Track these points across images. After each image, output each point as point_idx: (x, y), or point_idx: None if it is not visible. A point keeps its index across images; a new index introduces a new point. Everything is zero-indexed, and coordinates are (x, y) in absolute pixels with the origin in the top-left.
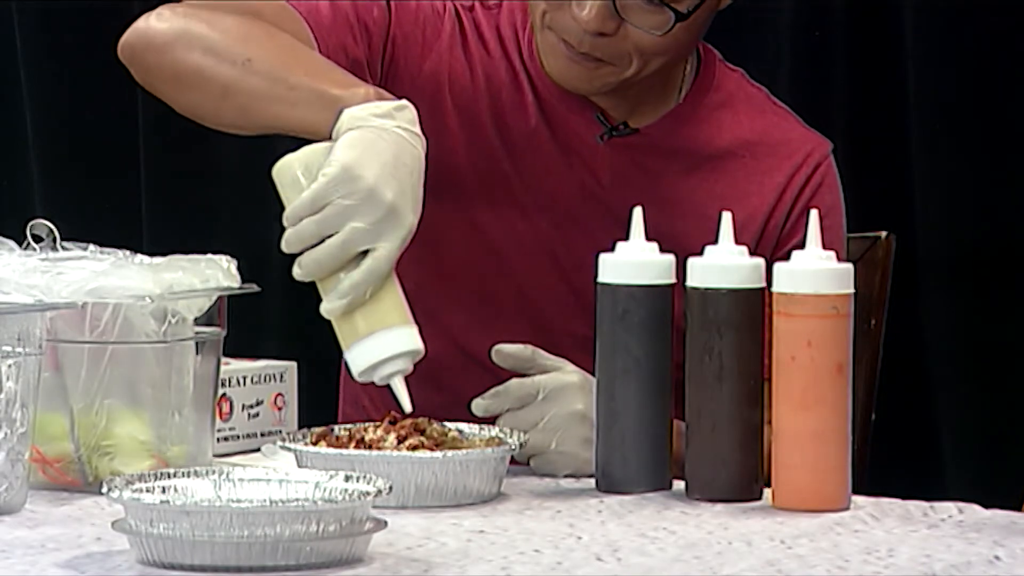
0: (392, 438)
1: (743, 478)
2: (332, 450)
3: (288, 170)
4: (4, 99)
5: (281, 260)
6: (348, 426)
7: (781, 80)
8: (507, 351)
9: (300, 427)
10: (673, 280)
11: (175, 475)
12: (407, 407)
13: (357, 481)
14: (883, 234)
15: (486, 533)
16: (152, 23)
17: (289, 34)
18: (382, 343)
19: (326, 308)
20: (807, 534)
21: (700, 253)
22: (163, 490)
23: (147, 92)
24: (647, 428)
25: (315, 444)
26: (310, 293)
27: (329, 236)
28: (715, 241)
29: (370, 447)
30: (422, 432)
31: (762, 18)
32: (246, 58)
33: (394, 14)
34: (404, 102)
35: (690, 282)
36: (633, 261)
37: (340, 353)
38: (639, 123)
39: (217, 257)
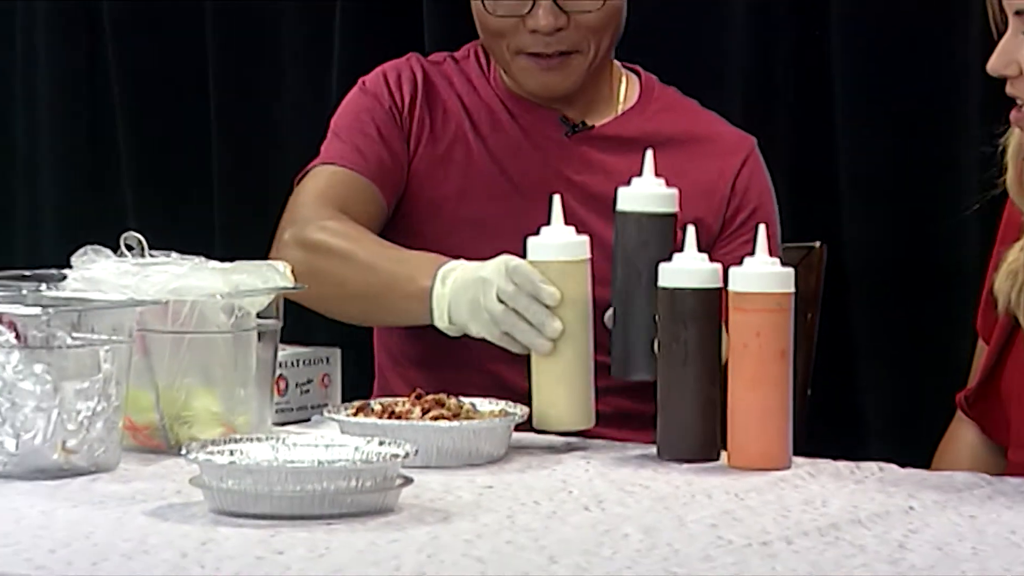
0: (418, 410)
1: (704, 443)
2: (369, 420)
3: None
4: (104, 130)
5: None
6: (382, 400)
7: (733, 116)
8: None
9: (343, 402)
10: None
11: (240, 440)
12: None
13: (389, 446)
14: (817, 244)
15: (494, 488)
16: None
17: (364, 201)
18: None
19: None
20: (756, 488)
21: None
22: (231, 452)
23: (220, 125)
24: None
25: (355, 415)
26: None
27: None
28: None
29: (400, 418)
30: (442, 405)
31: (716, 74)
32: (345, 289)
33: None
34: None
35: (661, 283)
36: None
37: (372, 341)
38: (594, 123)
39: (275, 263)
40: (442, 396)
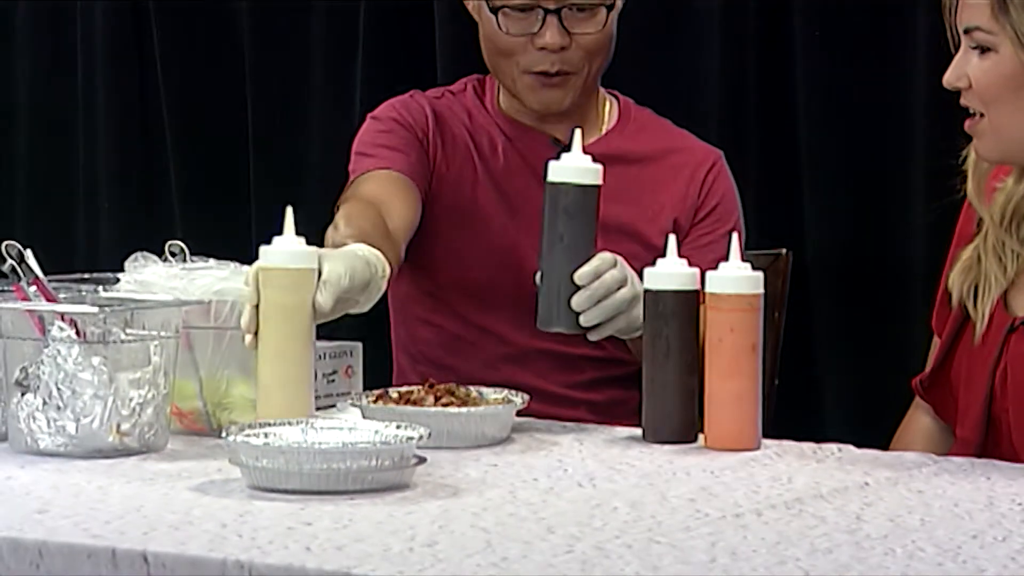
0: (431, 398)
1: (684, 426)
2: (388, 406)
3: None
4: (155, 151)
5: None
6: (399, 389)
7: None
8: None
9: (364, 390)
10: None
11: (274, 424)
12: None
13: (405, 429)
14: (783, 251)
15: (498, 467)
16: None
17: (402, 189)
18: None
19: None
20: (730, 467)
21: (637, 228)
22: (265, 435)
23: (256, 148)
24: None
25: (375, 402)
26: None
27: None
28: (658, 224)
29: (415, 404)
30: (452, 394)
31: (695, 95)
32: None
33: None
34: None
35: (646, 285)
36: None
37: (390, 338)
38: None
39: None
40: (452, 385)
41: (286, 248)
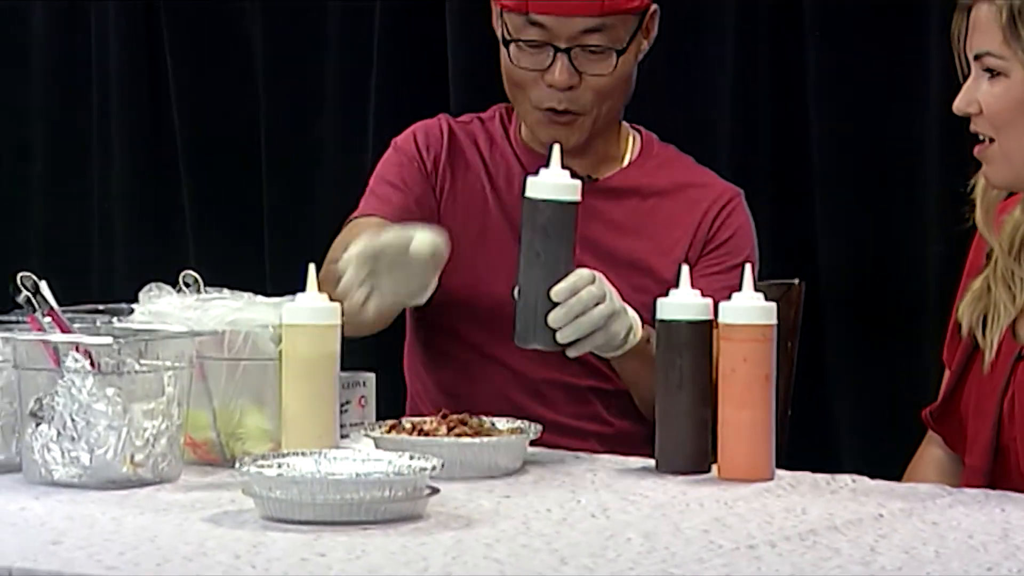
0: (443, 428)
1: (697, 457)
2: (401, 436)
3: None
4: (168, 182)
5: None
6: (412, 419)
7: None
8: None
9: (377, 420)
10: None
11: (287, 455)
12: None
13: (418, 459)
14: (796, 281)
15: (511, 497)
16: None
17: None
18: None
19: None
20: (743, 498)
21: (649, 263)
22: (279, 466)
23: (270, 178)
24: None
25: (388, 433)
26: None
27: None
28: (671, 259)
29: (428, 435)
30: (465, 424)
31: (705, 125)
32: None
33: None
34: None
35: (658, 316)
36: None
37: (403, 369)
38: (599, 176)
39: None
40: (465, 415)
41: (310, 304)
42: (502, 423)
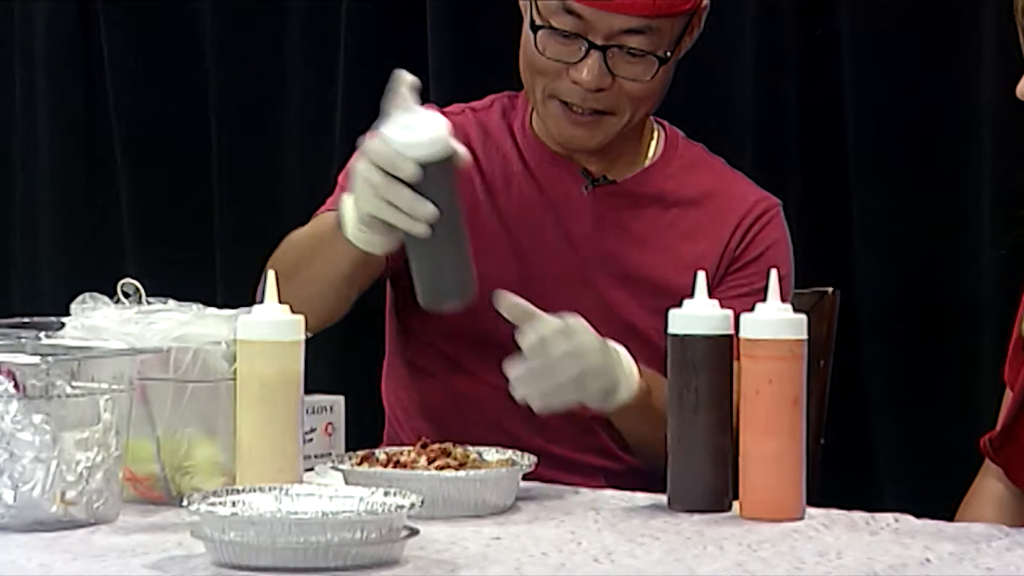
0: (423, 459)
1: (715, 492)
2: (373, 469)
3: None
4: (102, 175)
5: None
6: (387, 450)
7: (743, 159)
8: (509, 300)
9: (347, 451)
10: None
11: (243, 491)
12: None
13: (394, 496)
14: (829, 290)
15: (502, 539)
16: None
17: None
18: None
19: None
20: (769, 540)
21: (668, 282)
22: (233, 504)
23: (222, 168)
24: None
25: (359, 465)
26: (356, 339)
27: None
28: (689, 282)
29: (405, 467)
30: (448, 455)
31: (727, 111)
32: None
33: None
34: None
35: (671, 330)
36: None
37: (379, 389)
38: (616, 177)
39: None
40: (448, 445)
41: (269, 318)
42: (491, 454)
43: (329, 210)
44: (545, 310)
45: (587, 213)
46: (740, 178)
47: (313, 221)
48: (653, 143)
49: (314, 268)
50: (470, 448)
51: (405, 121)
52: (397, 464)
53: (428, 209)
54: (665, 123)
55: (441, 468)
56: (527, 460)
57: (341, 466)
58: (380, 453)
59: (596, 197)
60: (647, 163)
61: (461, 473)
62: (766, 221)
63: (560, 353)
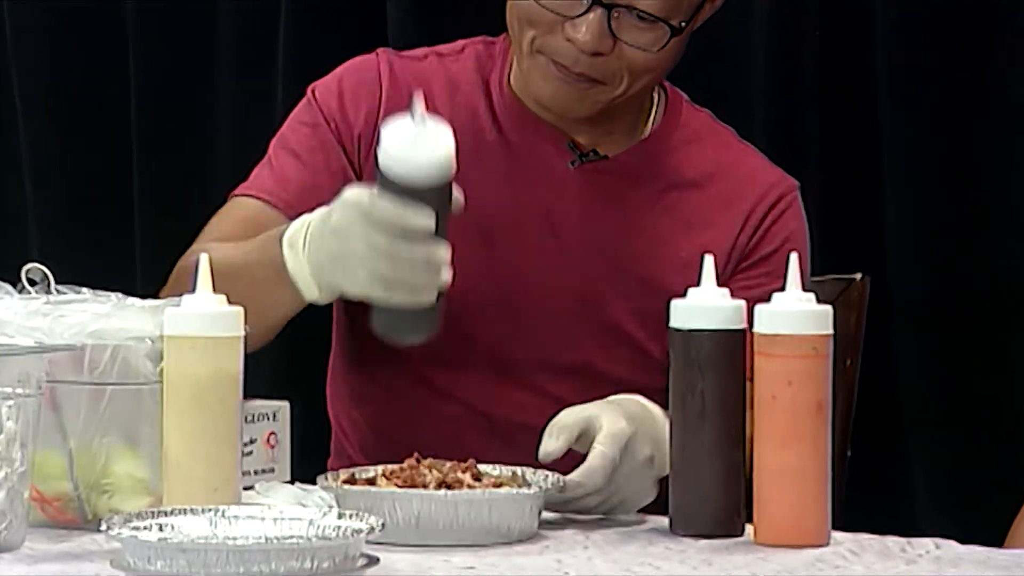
0: (429, 475)
1: (725, 514)
2: (382, 489)
3: None
4: (4, 148)
5: None
6: (378, 467)
7: (755, 121)
8: (551, 450)
9: (292, 464)
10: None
11: (172, 513)
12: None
13: (350, 518)
14: (858, 276)
15: (475, 570)
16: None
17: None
18: None
19: None
20: (789, 569)
21: (662, 277)
22: (160, 528)
23: (142, 140)
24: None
25: (345, 484)
26: (300, 335)
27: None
28: (693, 276)
29: (410, 485)
30: (462, 472)
31: (734, 59)
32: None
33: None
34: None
35: (673, 323)
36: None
37: (325, 393)
38: (608, 152)
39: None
40: (439, 462)
41: (202, 309)
42: (487, 471)
43: (252, 196)
44: (517, 308)
45: (572, 194)
46: (751, 153)
47: (235, 244)
48: (652, 109)
49: (243, 304)
50: (442, 463)
51: (407, 136)
52: (401, 482)
53: (443, 280)
54: (667, 85)
55: (449, 486)
56: (554, 479)
57: (331, 486)
58: (369, 470)
59: (583, 175)
60: (645, 133)
61: (489, 492)
62: (783, 208)
63: (586, 505)
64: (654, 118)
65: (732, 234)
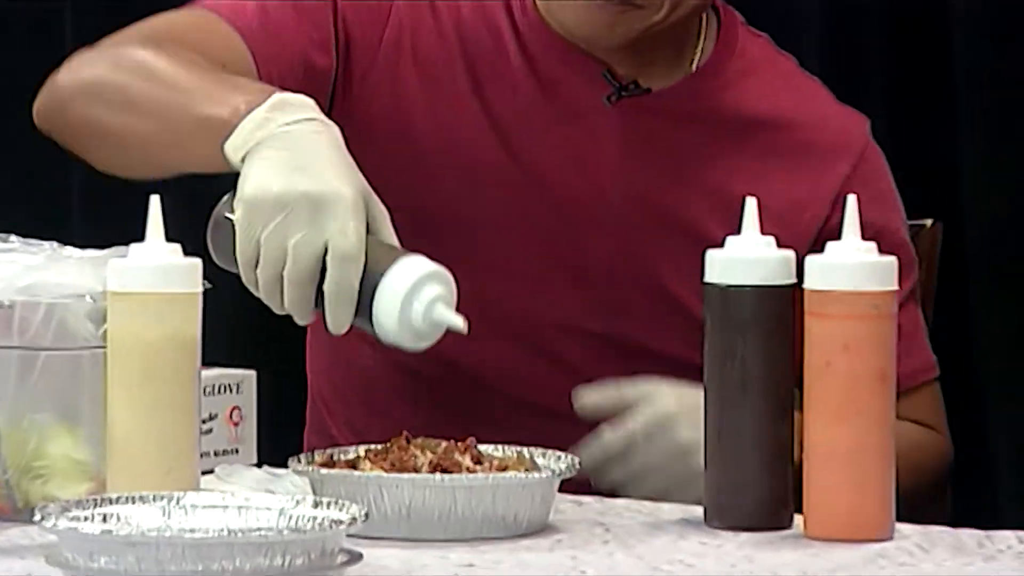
0: (420, 457)
1: (770, 503)
2: (368, 473)
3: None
4: None
5: None
6: (359, 447)
7: (809, 46)
8: (590, 405)
9: (259, 443)
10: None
11: (117, 501)
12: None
13: (328, 508)
14: (928, 222)
15: (476, 567)
16: (58, 78)
17: (221, 50)
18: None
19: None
20: (845, 568)
21: (719, 236)
22: (104, 518)
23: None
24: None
25: (323, 466)
26: None
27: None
28: (738, 228)
29: (401, 468)
30: (458, 452)
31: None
32: (133, 103)
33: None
34: (277, 98)
35: (709, 277)
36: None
37: (303, 362)
38: (651, 85)
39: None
40: (433, 441)
41: (154, 261)
42: (489, 451)
43: (210, 9)
44: (547, 266)
45: (610, 133)
46: (817, 90)
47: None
48: (702, 37)
49: (157, 140)
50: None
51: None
52: (390, 464)
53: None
54: (720, 4)
55: (445, 470)
56: (568, 461)
57: (304, 470)
58: (350, 451)
59: (623, 111)
60: (695, 65)
61: (493, 476)
62: (863, 167)
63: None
64: (704, 46)
65: (797, 194)
